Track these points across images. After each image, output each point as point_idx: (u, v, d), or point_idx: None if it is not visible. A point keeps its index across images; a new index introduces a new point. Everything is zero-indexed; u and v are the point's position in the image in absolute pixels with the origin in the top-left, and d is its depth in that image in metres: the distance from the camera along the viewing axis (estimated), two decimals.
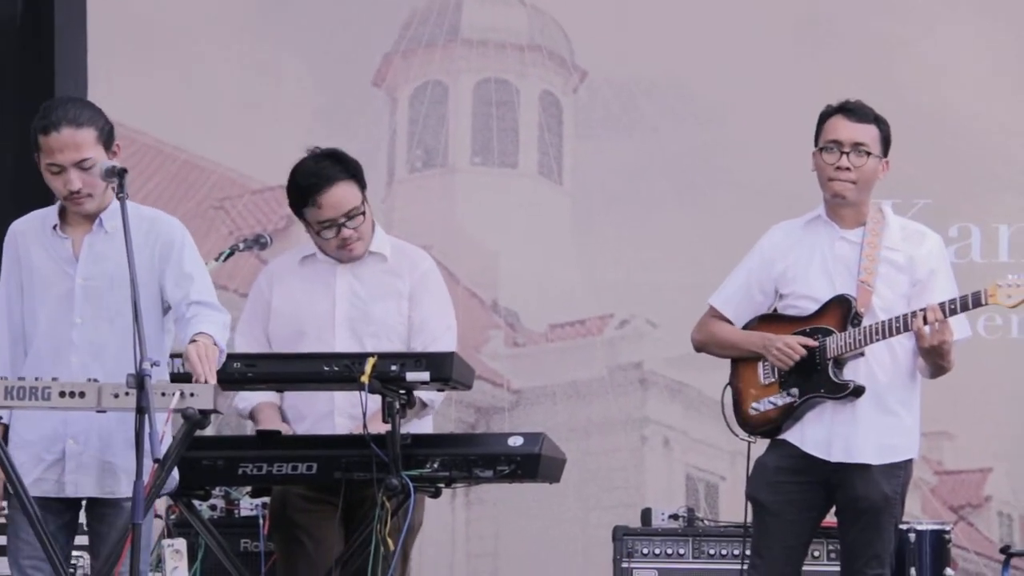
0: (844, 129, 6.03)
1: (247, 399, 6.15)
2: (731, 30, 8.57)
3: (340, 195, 6.10)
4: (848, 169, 6.00)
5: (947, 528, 7.35)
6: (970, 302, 5.92)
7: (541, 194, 8.76)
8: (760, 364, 6.06)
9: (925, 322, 5.84)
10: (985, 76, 8.43)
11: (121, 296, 5.14)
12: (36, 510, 5.16)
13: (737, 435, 6.10)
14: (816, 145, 6.07)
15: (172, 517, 6.38)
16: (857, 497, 5.94)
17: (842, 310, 6.00)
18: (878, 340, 5.93)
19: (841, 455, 5.94)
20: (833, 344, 5.95)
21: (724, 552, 6.96)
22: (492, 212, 8.70)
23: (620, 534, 7.07)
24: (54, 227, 5.36)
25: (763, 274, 6.10)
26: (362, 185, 6.16)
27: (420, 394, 5.90)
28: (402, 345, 6.12)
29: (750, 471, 6.06)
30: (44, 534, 5.15)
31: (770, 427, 6.03)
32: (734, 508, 8.08)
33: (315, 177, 6.11)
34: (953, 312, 5.90)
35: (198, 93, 8.60)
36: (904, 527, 7.32)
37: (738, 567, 6.80)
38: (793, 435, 5.99)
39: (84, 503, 5.33)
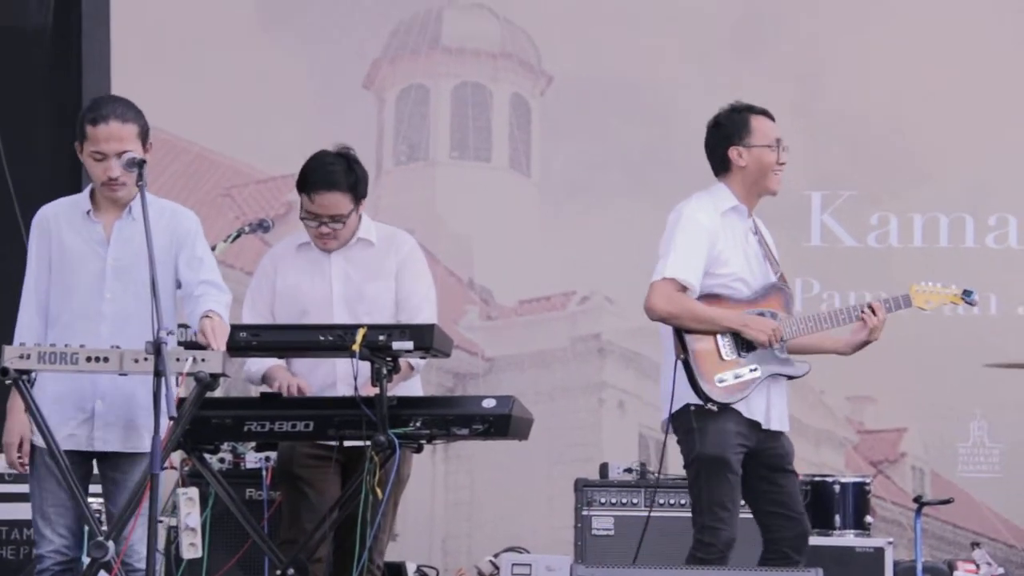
0: (777, 130, 5.94)
1: (259, 364, 6.13)
2: (678, 37, 8.59)
3: (330, 201, 6.07)
4: (784, 163, 5.96)
5: (867, 480, 7.39)
6: (902, 303, 5.98)
7: (511, 185, 8.77)
8: (719, 339, 5.79)
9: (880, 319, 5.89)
10: (905, 79, 8.45)
11: (146, 274, 5.15)
12: (67, 462, 5.17)
13: (704, 405, 5.74)
14: (742, 142, 5.88)
15: (186, 468, 6.37)
16: (785, 455, 5.91)
17: (783, 296, 5.90)
18: (827, 328, 5.89)
19: (776, 424, 5.89)
20: (788, 328, 5.82)
21: (672, 501, 6.96)
22: (468, 201, 8.71)
23: (581, 485, 7.09)
24: (87, 212, 5.37)
25: (708, 253, 5.85)
26: (358, 195, 6.11)
27: (409, 360, 5.91)
28: (392, 320, 6.12)
29: (706, 435, 5.76)
30: (74, 484, 5.18)
31: (732, 399, 5.77)
32: (681, 463, 8.13)
33: (319, 176, 6.09)
34: (889, 311, 5.93)
35: (208, 93, 8.57)
36: (830, 479, 7.37)
37: (686, 515, 6.81)
38: (740, 405, 5.80)
39: (97, 456, 5.34)
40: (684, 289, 5.83)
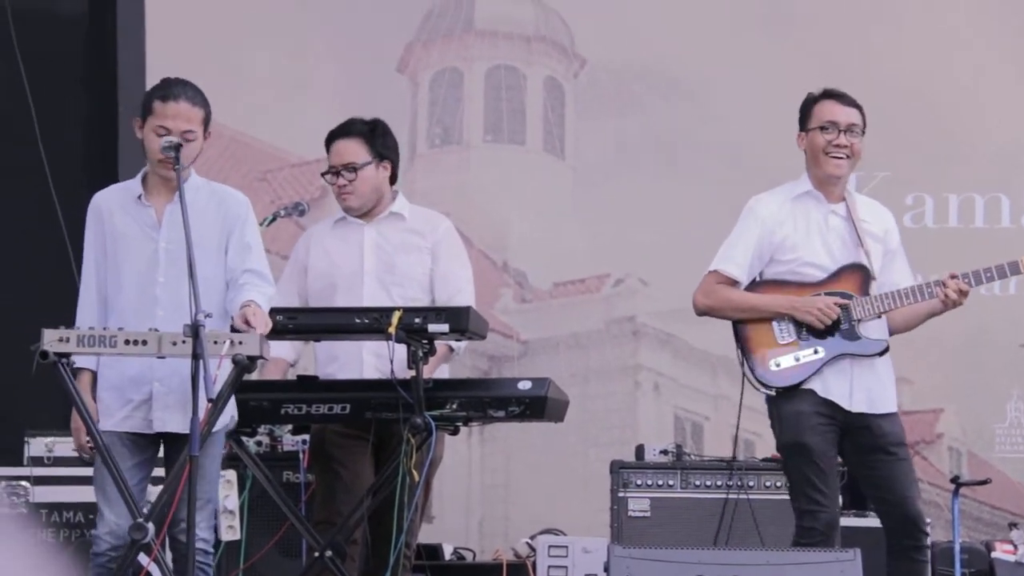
0: (839, 112, 5.93)
1: None
2: (710, 18, 8.57)
3: (343, 148, 6.17)
4: (845, 146, 5.91)
5: None
6: (1007, 270, 5.90)
7: (545, 167, 8.77)
8: (775, 324, 5.84)
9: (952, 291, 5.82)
10: (940, 57, 8.42)
11: (199, 257, 5.18)
12: (108, 450, 5.20)
13: (759, 390, 5.84)
14: (805, 127, 5.94)
15: (224, 451, 6.40)
16: (886, 434, 5.84)
17: (860, 276, 5.88)
18: (908, 304, 5.85)
19: (863, 406, 5.83)
20: (860, 307, 5.82)
21: (708, 483, 6.96)
22: (502, 184, 8.71)
23: (617, 467, 7.08)
24: (139, 197, 5.40)
25: (765, 242, 5.89)
26: (376, 149, 6.16)
27: (448, 342, 5.93)
28: (424, 293, 6.13)
29: (783, 421, 5.80)
30: (116, 470, 5.21)
31: (794, 381, 5.81)
32: (716, 444, 8.13)
33: (337, 128, 6.21)
34: (990, 279, 5.89)
35: (243, 77, 8.55)
36: None
37: (720, 496, 6.82)
38: (815, 385, 5.81)
39: (164, 439, 5.37)
40: (734, 282, 5.89)
